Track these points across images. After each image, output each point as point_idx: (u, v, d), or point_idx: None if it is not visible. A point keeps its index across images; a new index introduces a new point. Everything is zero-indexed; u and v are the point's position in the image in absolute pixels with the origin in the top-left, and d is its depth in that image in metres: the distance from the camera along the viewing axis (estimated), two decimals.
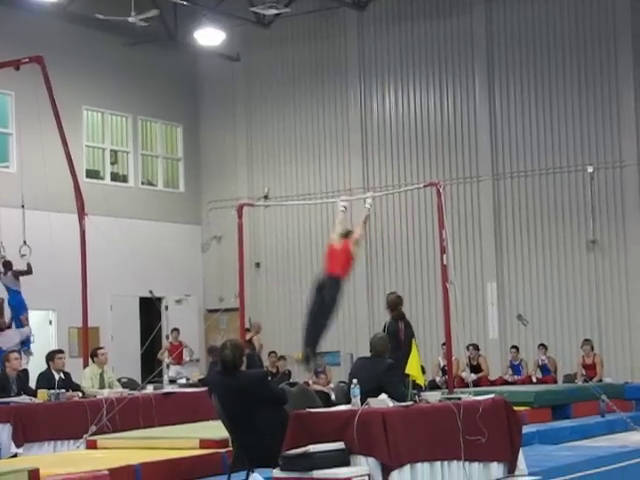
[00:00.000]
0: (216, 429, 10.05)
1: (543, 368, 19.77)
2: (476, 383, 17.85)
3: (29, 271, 17.22)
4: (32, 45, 19.07)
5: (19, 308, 17.34)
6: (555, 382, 19.46)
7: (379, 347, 9.97)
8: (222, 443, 10.14)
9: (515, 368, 19.95)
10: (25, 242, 16.83)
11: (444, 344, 16.36)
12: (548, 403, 16.04)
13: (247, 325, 18.15)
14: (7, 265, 17.14)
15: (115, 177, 24.46)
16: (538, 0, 22.45)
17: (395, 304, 12.91)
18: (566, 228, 22.10)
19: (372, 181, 23.76)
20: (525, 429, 10.71)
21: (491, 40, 22.86)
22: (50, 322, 22.02)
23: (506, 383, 19.19)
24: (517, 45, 22.65)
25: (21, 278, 17.41)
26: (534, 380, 19.27)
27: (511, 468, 9.55)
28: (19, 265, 17.36)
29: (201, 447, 10.47)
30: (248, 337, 18.25)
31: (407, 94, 23.73)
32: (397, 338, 12.20)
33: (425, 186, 15.67)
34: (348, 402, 9.13)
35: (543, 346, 20.03)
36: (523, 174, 22.51)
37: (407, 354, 11.40)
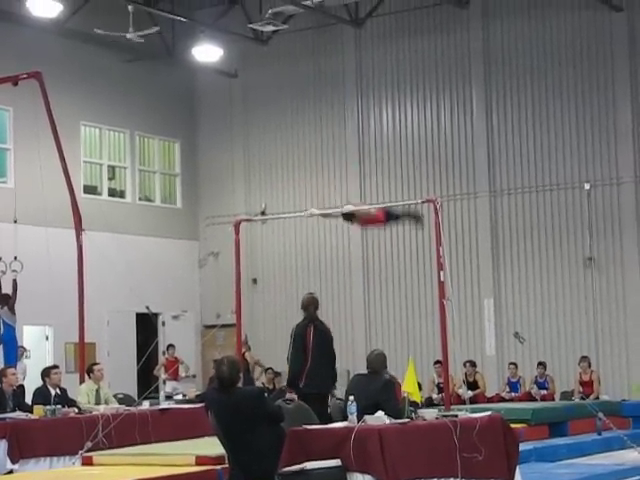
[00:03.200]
0: (212, 446, 10.03)
1: (541, 385, 19.72)
2: (473, 400, 17.79)
3: (14, 288, 16.93)
4: (30, 61, 19.10)
5: (10, 345, 17.09)
6: (552, 399, 19.43)
7: (376, 364, 9.94)
8: (218, 460, 10.12)
9: (513, 385, 19.91)
10: (16, 258, 16.68)
11: (439, 361, 16.37)
12: (545, 420, 16.01)
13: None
14: (4, 299, 16.87)
15: (113, 193, 24.47)
16: (535, 17, 22.52)
17: (307, 305, 11.54)
18: (563, 245, 22.11)
19: (369, 197, 23.76)
20: (522, 446, 10.71)
21: (488, 57, 22.92)
22: (47, 337, 22.00)
23: (503, 400, 19.15)
24: (514, 62, 22.70)
25: (18, 293, 17.26)
26: (537, 398, 19.17)
27: None
28: (7, 283, 17.09)
29: (197, 464, 10.45)
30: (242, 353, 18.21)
31: (404, 110, 23.76)
32: (304, 343, 11.25)
33: (422, 202, 15.68)
34: (345, 419, 9.11)
35: (542, 365, 19.96)
36: (520, 191, 22.54)
37: (317, 361, 10.98)
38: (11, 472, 12.08)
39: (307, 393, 10.73)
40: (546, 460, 13.11)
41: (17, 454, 12.30)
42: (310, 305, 11.52)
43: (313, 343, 11.18)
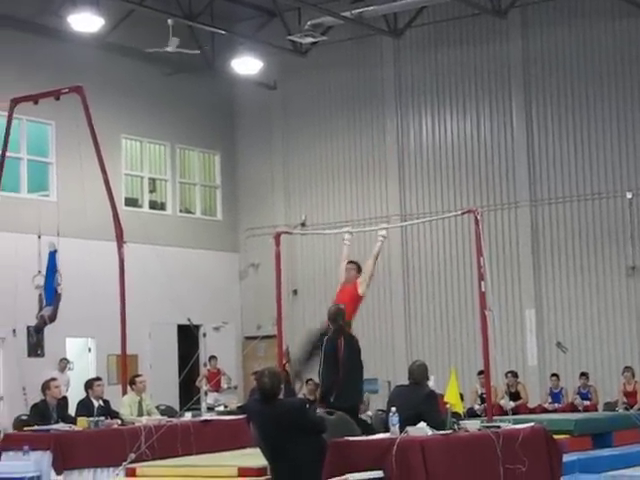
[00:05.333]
0: (255, 457, 10.03)
1: (583, 395, 19.59)
2: (515, 411, 17.72)
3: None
4: (72, 75, 19.28)
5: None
6: (596, 410, 19.29)
7: (418, 375, 9.89)
8: (261, 471, 10.10)
9: (555, 396, 19.78)
10: (57, 271, 16.74)
11: (482, 372, 16.28)
12: (588, 431, 15.86)
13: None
14: (38, 330, 16.80)
15: (153, 205, 24.61)
16: (575, 26, 22.42)
17: (334, 317, 11.18)
18: (605, 254, 21.96)
19: (409, 208, 23.74)
20: (565, 458, 10.61)
21: (528, 65, 22.84)
22: (89, 349, 22.14)
23: (545, 411, 19.03)
24: (554, 70, 22.61)
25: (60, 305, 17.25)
26: (580, 409, 19.04)
27: None
28: None
29: (240, 475, 10.43)
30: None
31: (444, 120, 23.73)
32: (335, 357, 10.88)
33: (463, 213, 15.62)
34: (387, 430, 9.09)
35: (584, 375, 19.83)
36: (561, 200, 22.41)
37: (348, 375, 10.78)
38: None
39: (338, 407, 10.56)
40: (590, 472, 12.98)
41: (61, 465, 12.40)
42: (338, 317, 11.23)
43: (344, 356, 10.96)
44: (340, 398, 10.70)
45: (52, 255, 16.31)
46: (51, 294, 16.19)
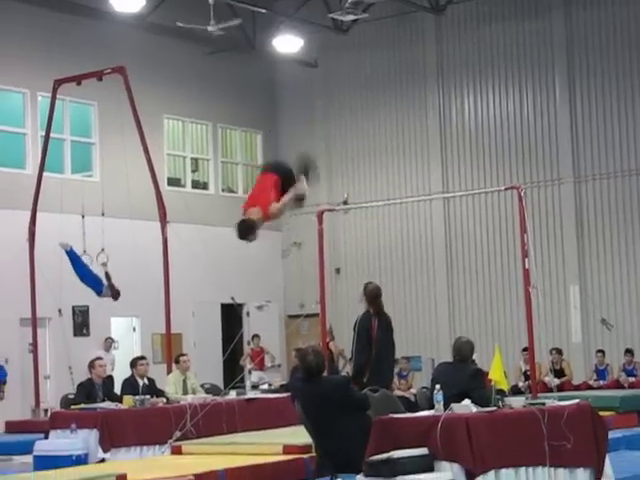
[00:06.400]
0: (299, 435, 10.10)
1: (629, 372, 19.47)
2: (559, 388, 17.65)
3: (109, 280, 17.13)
4: (114, 56, 19.37)
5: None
6: None
7: (464, 351, 9.80)
8: (305, 449, 10.18)
9: (600, 373, 19.68)
10: (103, 250, 16.94)
11: (526, 349, 16.23)
12: (634, 408, 15.80)
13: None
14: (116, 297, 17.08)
15: (196, 185, 24.69)
16: (619, 1, 22.17)
17: (374, 296, 11.21)
18: None
19: (452, 185, 23.65)
20: (611, 434, 10.55)
21: (571, 41, 22.63)
22: (134, 329, 22.30)
23: (590, 388, 18.94)
24: (598, 46, 22.38)
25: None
26: (625, 385, 18.93)
27: (597, 474, 9.42)
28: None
29: (284, 453, 10.52)
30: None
31: (486, 97, 23.58)
32: (369, 335, 10.83)
33: (506, 189, 15.58)
34: (431, 407, 9.08)
35: (629, 352, 19.70)
36: (605, 176, 22.23)
37: (381, 354, 10.73)
38: (103, 461, 12.33)
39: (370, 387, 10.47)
40: (636, 448, 12.92)
41: (108, 443, 12.54)
42: (377, 297, 11.20)
43: (378, 336, 10.89)
44: (372, 379, 10.65)
45: (70, 253, 16.70)
46: (95, 282, 16.57)
